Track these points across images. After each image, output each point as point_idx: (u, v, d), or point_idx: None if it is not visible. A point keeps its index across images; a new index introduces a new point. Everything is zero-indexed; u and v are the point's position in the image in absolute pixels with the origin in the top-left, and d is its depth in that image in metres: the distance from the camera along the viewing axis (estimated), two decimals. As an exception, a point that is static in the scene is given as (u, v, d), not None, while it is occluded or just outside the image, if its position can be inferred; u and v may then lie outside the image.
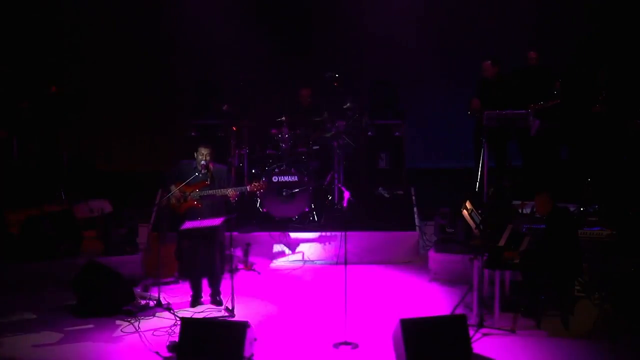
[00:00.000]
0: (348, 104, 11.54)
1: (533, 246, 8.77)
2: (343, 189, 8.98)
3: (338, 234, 10.54)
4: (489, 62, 11.14)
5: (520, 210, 10.43)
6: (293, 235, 10.81)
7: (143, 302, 9.21)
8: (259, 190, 9.42)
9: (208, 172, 9.23)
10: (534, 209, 10.30)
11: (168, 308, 8.97)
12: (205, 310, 9.00)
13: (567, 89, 11.15)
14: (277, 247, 10.77)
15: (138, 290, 9.54)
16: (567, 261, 8.33)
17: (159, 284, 9.18)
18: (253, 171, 11.32)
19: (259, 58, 13.09)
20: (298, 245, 10.79)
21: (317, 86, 11.93)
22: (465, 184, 11.26)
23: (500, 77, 11.20)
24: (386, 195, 11.93)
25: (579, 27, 12.72)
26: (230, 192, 9.12)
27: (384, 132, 12.20)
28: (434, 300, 9.33)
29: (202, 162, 9.18)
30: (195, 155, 9.23)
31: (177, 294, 9.49)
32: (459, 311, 8.57)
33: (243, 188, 9.35)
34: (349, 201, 8.66)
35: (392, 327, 7.75)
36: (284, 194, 10.90)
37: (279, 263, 10.72)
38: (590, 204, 10.29)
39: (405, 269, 10.42)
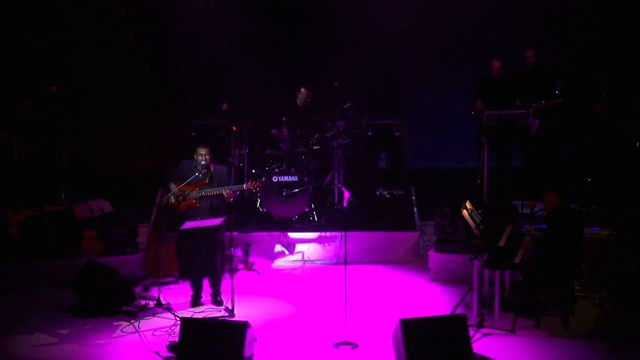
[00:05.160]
0: (348, 104, 11.54)
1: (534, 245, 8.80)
2: (343, 189, 8.99)
3: (338, 234, 10.54)
4: (501, 61, 11.15)
5: (520, 210, 10.45)
6: (293, 235, 10.81)
7: (143, 302, 9.21)
8: (255, 188, 9.49)
9: (208, 172, 9.27)
10: (533, 209, 10.35)
11: (168, 308, 8.98)
12: (205, 310, 9.00)
13: (568, 89, 11.16)
14: (277, 247, 10.76)
15: (138, 290, 9.55)
16: (566, 260, 8.33)
17: (159, 284, 9.18)
18: (253, 171, 11.32)
19: (259, 58, 13.09)
20: (298, 245, 10.78)
21: (317, 86, 11.94)
22: (466, 184, 11.27)
23: (503, 77, 11.23)
24: (386, 195, 11.94)
25: (580, 27, 12.73)
26: (225, 191, 9.14)
27: (384, 132, 12.21)
28: (434, 300, 9.33)
29: (202, 162, 9.23)
30: (195, 155, 9.28)
31: (177, 294, 9.49)
32: (459, 311, 8.58)
33: (240, 186, 9.41)
34: (349, 201, 8.66)
35: (392, 327, 7.75)
36: (284, 194, 10.90)
37: (279, 263, 10.72)
38: (590, 204, 10.30)
39: (405, 269, 10.42)
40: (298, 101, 11.79)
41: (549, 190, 8.65)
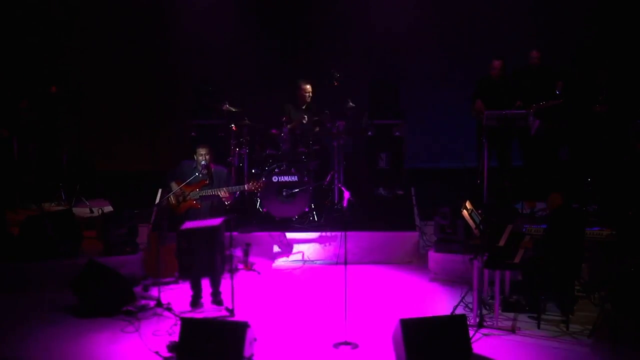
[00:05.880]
0: (348, 104, 11.54)
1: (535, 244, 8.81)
2: (343, 189, 8.98)
3: (338, 234, 10.54)
4: (501, 61, 11.16)
5: (520, 210, 10.45)
6: (293, 235, 10.81)
7: (143, 302, 9.21)
8: (257, 189, 9.51)
9: (208, 172, 9.28)
10: (533, 209, 10.36)
11: (168, 308, 8.98)
12: (205, 310, 9.00)
13: (568, 89, 11.17)
14: (277, 247, 10.76)
15: (138, 290, 9.54)
16: (566, 260, 8.33)
17: (159, 284, 9.18)
18: (253, 171, 11.32)
19: (259, 58, 13.09)
20: (298, 245, 10.78)
21: (317, 85, 11.93)
22: (466, 184, 11.28)
23: (504, 77, 11.24)
24: (386, 195, 11.94)
25: (580, 27, 12.73)
26: (222, 192, 9.15)
27: (384, 132, 12.20)
28: (434, 300, 9.34)
29: (203, 162, 9.24)
30: (195, 156, 9.29)
31: (177, 294, 9.49)
32: (459, 311, 8.58)
33: (241, 187, 9.43)
34: (349, 201, 8.65)
35: (392, 327, 7.75)
36: (284, 194, 10.90)
37: (279, 263, 10.72)
38: (590, 204, 10.30)
39: (405, 269, 10.42)
40: (299, 99, 11.79)
41: (554, 191, 8.67)
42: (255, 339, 7.83)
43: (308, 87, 11.67)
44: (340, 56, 12.93)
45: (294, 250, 10.78)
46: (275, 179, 10.92)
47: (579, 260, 8.49)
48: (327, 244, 10.74)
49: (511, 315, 8.69)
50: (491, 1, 13.04)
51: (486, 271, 8.74)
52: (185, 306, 9.13)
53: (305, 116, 11.33)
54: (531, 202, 10.46)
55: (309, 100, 11.64)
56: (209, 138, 11.26)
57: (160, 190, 10.35)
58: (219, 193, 9.19)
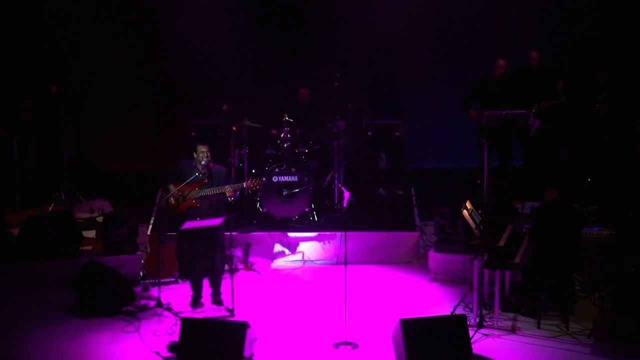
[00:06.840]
0: (348, 104, 11.54)
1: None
2: (343, 189, 8.96)
3: (338, 233, 10.54)
4: (505, 60, 11.17)
5: (520, 210, 10.45)
6: (293, 235, 10.81)
7: (143, 302, 9.21)
8: (255, 187, 9.53)
9: (208, 171, 9.27)
10: (533, 209, 10.36)
11: (168, 308, 8.97)
12: (205, 310, 9.00)
13: (568, 89, 11.17)
14: (277, 247, 10.76)
15: (138, 290, 9.54)
16: (554, 256, 8.33)
17: (159, 284, 9.18)
18: (253, 171, 11.32)
19: (259, 57, 13.09)
20: (298, 245, 10.78)
21: (317, 86, 11.94)
22: (466, 184, 11.28)
23: (505, 77, 11.24)
24: (386, 195, 11.94)
25: (580, 27, 12.73)
26: (227, 190, 9.18)
27: (384, 132, 12.21)
28: (434, 300, 9.34)
29: (203, 161, 9.23)
30: (195, 155, 9.29)
31: (177, 294, 9.49)
32: (459, 311, 8.58)
33: (240, 184, 9.44)
34: (349, 201, 8.63)
35: (392, 327, 7.75)
36: (284, 194, 10.90)
37: (279, 263, 10.72)
38: (590, 204, 10.31)
39: (405, 269, 10.42)
40: (299, 101, 11.80)
41: (549, 187, 8.69)
42: (255, 339, 7.83)
43: (306, 92, 11.71)
44: (340, 56, 12.94)
45: (294, 250, 10.77)
46: (275, 179, 10.92)
47: (578, 259, 8.49)
48: (327, 244, 10.73)
49: (511, 315, 8.69)
50: (491, 1, 13.04)
51: (486, 271, 8.75)
52: (185, 306, 9.13)
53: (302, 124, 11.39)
54: (531, 202, 10.46)
55: (308, 104, 11.67)
56: (209, 138, 11.26)
57: (159, 191, 10.35)
58: (224, 191, 9.20)
